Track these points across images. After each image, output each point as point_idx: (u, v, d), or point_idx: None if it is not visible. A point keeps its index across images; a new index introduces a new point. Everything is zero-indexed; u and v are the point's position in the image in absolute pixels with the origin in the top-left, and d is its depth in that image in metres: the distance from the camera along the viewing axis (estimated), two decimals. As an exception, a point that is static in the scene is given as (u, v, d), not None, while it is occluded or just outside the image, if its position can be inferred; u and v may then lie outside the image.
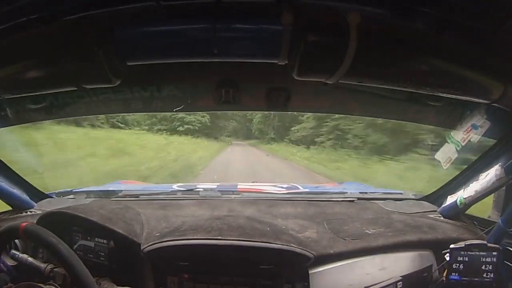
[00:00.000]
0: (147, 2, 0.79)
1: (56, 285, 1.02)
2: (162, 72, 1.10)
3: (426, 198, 1.54)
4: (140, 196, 1.56)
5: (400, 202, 1.52)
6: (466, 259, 1.08)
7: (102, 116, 7.19)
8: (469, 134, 1.10)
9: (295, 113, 6.88)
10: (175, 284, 1.11)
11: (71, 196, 1.58)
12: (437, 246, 1.16)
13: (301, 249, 1.07)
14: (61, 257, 0.91)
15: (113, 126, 10.77)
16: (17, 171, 1.39)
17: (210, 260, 1.10)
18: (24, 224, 0.94)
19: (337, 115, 7.03)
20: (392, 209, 1.43)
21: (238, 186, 1.78)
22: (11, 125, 1.27)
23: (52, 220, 1.19)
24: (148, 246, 1.11)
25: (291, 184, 1.94)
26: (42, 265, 1.09)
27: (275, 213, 1.34)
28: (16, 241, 1.19)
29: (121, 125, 11.23)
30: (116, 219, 1.21)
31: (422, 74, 0.85)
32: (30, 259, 1.12)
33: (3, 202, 1.37)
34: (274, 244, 1.06)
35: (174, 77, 1.15)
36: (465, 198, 1.22)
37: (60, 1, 0.80)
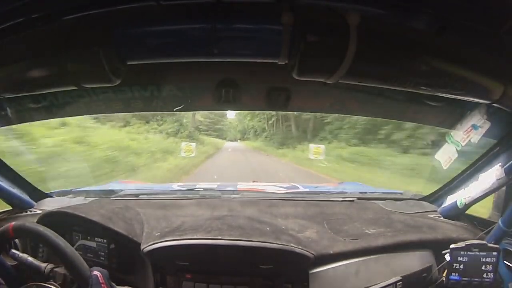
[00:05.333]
0: (147, 2, 0.79)
1: (56, 284, 1.02)
2: (162, 71, 1.10)
3: (426, 198, 1.54)
4: (140, 196, 1.56)
5: (400, 202, 1.52)
6: (466, 259, 1.08)
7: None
8: (469, 134, 1.10)
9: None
10: (175, 284, 1.11)
11: (71, 196, 1.58)
12: (437, 246, 1.16)
13: (301, 249, 1.06)
14: (49, 243, 0.95)
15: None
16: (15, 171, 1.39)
17: (210, 260, 1.10)
18: (12, 223, 0.97)
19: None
20: (392, 209, 1.43)
21: (238, 186, 1.78)
22: (11, 125, 1.27)
23: (52, 219, 1.19)
24: (148, 246, 1.10)
25: (291, 184, 1.94)
26: (42, 265, 1.09)
27: (275, 213, 1.34)
28: (16, 240, 1.20)
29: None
30: (116, 219, 1.21)
31: (422, 74, 0.84)
32: (30, 258, 1.11)
33: (3, 202, 1.38)
34: (274, 244, 1.06)
35: (174, 77, 1.15)
36: (465, 199, 1.22)
37: (60, 1, 0.80)
